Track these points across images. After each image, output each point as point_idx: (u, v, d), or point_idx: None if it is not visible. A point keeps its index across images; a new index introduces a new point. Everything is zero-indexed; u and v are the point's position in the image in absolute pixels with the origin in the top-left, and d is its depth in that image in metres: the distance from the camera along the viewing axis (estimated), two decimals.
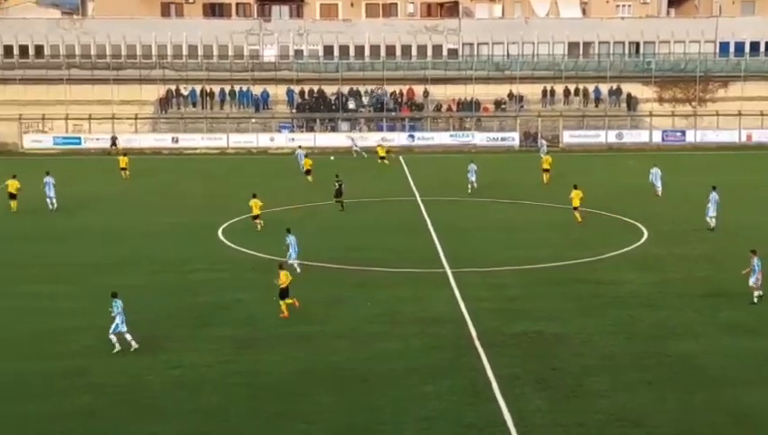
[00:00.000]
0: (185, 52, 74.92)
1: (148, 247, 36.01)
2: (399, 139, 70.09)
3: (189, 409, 20.13)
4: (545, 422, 19.43)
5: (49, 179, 44.33)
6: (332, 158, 60.98)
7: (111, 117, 69.75)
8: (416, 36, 76.07)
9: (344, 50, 75.87)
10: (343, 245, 36.14)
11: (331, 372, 22.38)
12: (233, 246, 36.23)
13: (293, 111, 72.59)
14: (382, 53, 75.65)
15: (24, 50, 74.97)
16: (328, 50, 76.03)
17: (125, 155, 56.27)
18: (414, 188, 50.16)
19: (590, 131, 71.51)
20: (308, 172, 52.25)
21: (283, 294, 26.82)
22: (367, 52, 75.96)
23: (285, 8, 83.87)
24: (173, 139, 68.91)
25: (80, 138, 68.35)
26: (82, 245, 36.67)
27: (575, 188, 40.47)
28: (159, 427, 19.22)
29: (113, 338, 23.64)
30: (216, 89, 72.10)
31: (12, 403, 20.32)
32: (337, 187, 43.69)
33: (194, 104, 71.96)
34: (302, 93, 72.76)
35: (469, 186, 48.32)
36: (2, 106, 69.37)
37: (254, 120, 71.62)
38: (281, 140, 69.08)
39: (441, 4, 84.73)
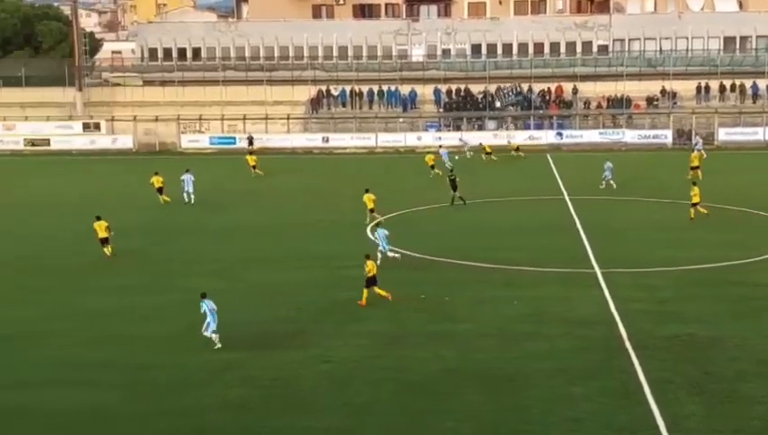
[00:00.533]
0: (335, 53, 76.37)
1: (299, 244, 36.88)
2: (547, 137, 69.29)
3: (338, 403, 20.52)
4: (700, 427, 18.89)
5: (187, 176, 46.34)
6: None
7: (265, 117, 71.71)
8: (564, 33, 75.05)
9: (492, 48, 75.62)
10: (489, 244, 36.04)
11: (478, 370, 22.37)
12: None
13: (440, 110, 72.83)
14: (530, 50, 75.00)
15: (182, 53, 78.14)
16: (475, 48, 75.97)
17: (251, 154, 57.73)
18: (562, 187, 49.51)
19: (746, 129, 68.73)
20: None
21: (369, 282, 27.71)
22: (515, 50, 75.46)
23: (434, 8, 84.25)
24: (323, 138, 70.28)
25: (234, 137, 70.56)
26: (235, 241, 37.82)
27: (694, 184, 40.06)
28: (310, 421, 19.64)
29: (214, 337, 24.04)
30: (365, 89, 73.10)
31: (171, 395, 21.15)
32: (451, 180, 44.18)
33: (343, 104, 73.20)
34: (449, 92, 72.91)
35: (603, 183, 47.65)
36: (162, 107, 72.39)
37: (401, 120, 72.23)
38: (428, 138, 69.46)
39: (591, 0, 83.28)
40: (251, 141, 68.04)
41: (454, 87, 73.09)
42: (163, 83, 76.19)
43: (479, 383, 21.54)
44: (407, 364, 22.86)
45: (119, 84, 79.12)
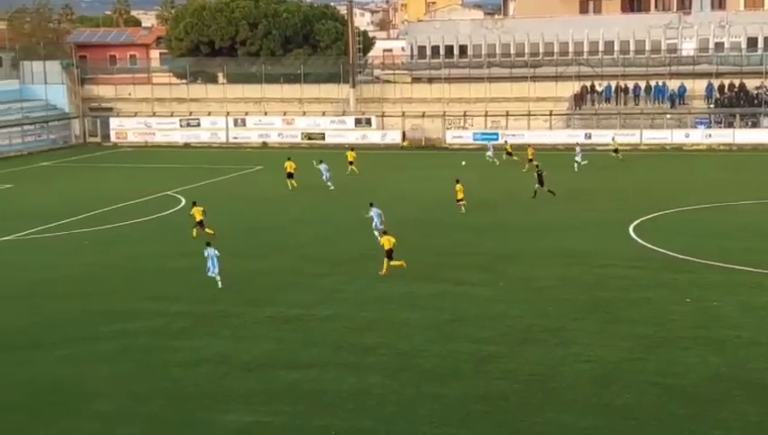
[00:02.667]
0: (601, 48, 75.17)
1: (561, 241, 36.91)
2: None
3: (598, 404, 20.46)
4: None
5: (322, 166, 49.90)
6: (464, 163, 57.19)
7: (527, 114, 71.88)
8: None
9: None
10: (754, 246, 34.55)
11: (751, 379, 21.54)
12: (644, 243, 36.00)
13: (711, 106, 69.82)
14: None
15: (449, 50, 79.81)
16: (751, 42, 72.12)
17: (352, 150, 58.35)
18: None
19: None
20: None
21: (389, 254, 31.50)
22: None
23: (707, 0, 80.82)
24: (586, 135, 69.36)
25: (497, 133, 71.24)
26: (500, 237, 38.38)
27: None
28: (569, 418, 19.75)
29: (217, 278, 30.13)
30: (631, 84, 71.41)
31: (434, 383, 21.90)
32: (537, 174, 45.20)
33: (607, 100, 71.88)
34: (721, 88, 69.70)
35: None
36: (429, 103, 74.41)
37: (668, 116, 69.94)
38: (696, 136, 66.80)
39: None
40: (404, 136, 71.27)
41: (727, 82, 69.78)
42: (430, 80, 78.15)
43: (751, 393, 20.74)
44: (671, 368, 22.42)
45: (389, 81, 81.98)
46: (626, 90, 71.46)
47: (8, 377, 22.82)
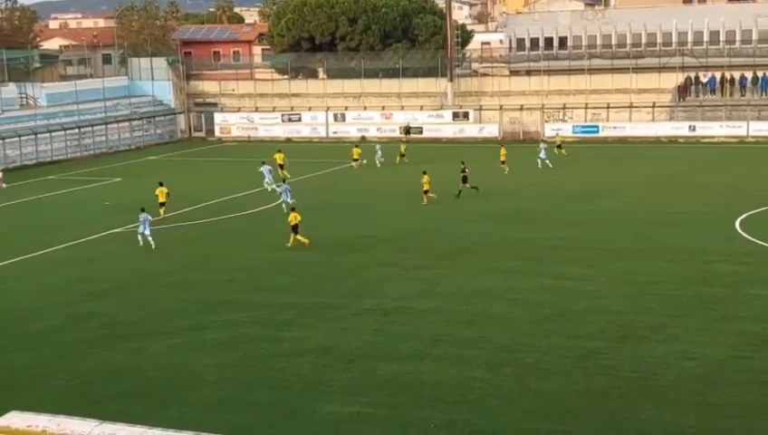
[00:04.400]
0: (705, 38, 73.49)
1: (665, 235, 36.35)
2: None
3: (703, 402, 20.13)
4: None
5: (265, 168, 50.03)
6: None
7: (629, 106, 70.74)
8: None
9: None
10: None
11: None
12: (751, 238, 35.20)
13: None
14: None
15: (548, 42, 79.21)
16: None
17: (406, 141, 58.64)
18: None
19: None
20: None
21: (294, 229, 35.29)
22: None
23: None
24: (690, 127, 67.96)
25: (597, 126, 70.38)
26: (600, 230, 38.06)
27: None
28: (673, 416, 19.48)
29: (139, 237, 35.02)
30: (737, 75, 69.57)
31: (535, 377, 21.91)
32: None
33: (713, 91, 70.20)
34: None
35: None
36: (527, 96, 73.92)
37: None
38: None
39: None
40: (408, 131, 71.65)
41: None
42: (529, 73, 77.63)
43: None
44: None
45: (487, 74, 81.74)
46: (732, 81, 69.65)
47: (125, 365, 23.73)
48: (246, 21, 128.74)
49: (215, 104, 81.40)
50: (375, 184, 51.68)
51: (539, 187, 49.08)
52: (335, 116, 76.84)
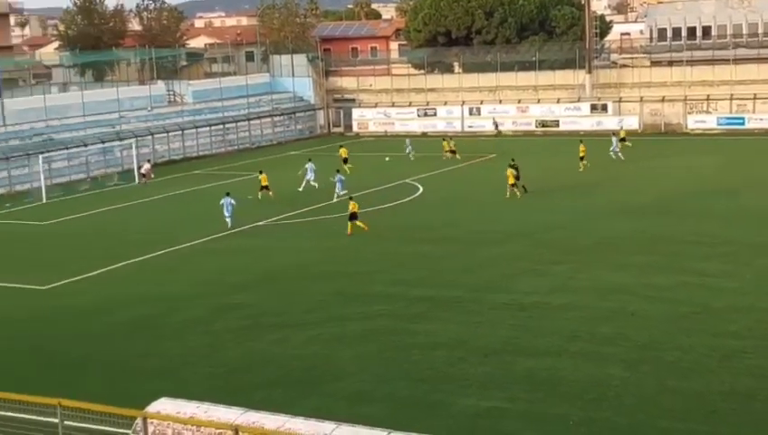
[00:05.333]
0: None
1: None
2: None
3: None
4: None
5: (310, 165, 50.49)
6: (387, 159, 58.62)
7: None
8: None
9: None
10: None
11: None
12: None
13: None
14: None
15: (691, 32, 76.98)
16: None
17: (449, 138, 58.01)
18: None
19: None
20: None
21: (352, 217, 37.89)
22: None
23: None
24: None
25: (743, 118, 67.96)
26: (742, 225, 36.88)
27: None
28: None
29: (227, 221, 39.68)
30: None
31: (675, 376, 21.49)
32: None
33: None
34: None
35: None
36: (669, 88, 71.97)
37: None
38: None
39: None
40: (496, 126, 72.82)
41: None
42: (671, 63, 75.62)
43: None
44: None
45: (626, 66, 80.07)
46: None
47: (268, 354, 24.55)
48: (383, 17, 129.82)
49: (353, 100, 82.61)
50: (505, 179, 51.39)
51: (678, 180, 47.90)
52: (470, 110, 76.79)
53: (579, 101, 73.78)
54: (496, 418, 19.80)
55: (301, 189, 49.55)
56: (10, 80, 77.23)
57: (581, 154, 53.21)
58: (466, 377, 22.08)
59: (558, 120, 73.50)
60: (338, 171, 48.53)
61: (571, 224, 39.05)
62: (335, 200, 44.89)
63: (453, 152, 59.55)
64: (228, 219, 40.73)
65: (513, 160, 47.63)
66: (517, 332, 25.32)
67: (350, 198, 39.68)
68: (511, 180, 45.17)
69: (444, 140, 61.78)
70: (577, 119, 72.62)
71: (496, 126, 74.79)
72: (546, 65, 76.93)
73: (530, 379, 21.76)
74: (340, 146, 59.61)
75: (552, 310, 27.06)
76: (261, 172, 49.08)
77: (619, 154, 55.61)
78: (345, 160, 56.43)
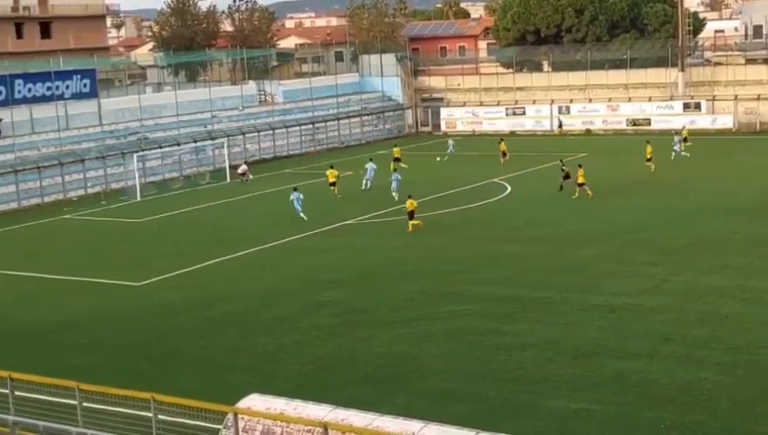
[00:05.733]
0: None
1: None
2: None
3: None
4: None
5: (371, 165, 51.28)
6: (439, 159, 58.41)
7: None
8: None
9: None
10: None
11: None
12: None
13: None
14: None
15: None
16: None
17: (502, 140, 57.48)
18: None
19: None
20: None
21: (411, 215, 38.85)
22: None
23: None
24: None
25: None
26: None
27: None
28: None
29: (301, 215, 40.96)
30: None
31: None
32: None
33: None
34: None
35: None
36: (765, 85, 69.80)
37: None
38: None
39: None
40: (560, 124, 71.86)
41: None
42: (766, 61, 73.51)
43: None
44: None
45: (720, 63, 78.14)
46: None
47: (356, 352, 24.74)
48: (472, 16, 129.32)
49: (441, 99, 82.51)
50: (601, 177, 50.71)
51: None
52: (560, 109, 75.97)
53: (671, 99, 72.30)
54: (585, 420, 19.57)
55: (363, 189, 49.91)
56: (106, 80, 79.31)
57: (648, 156, 52.03)
58: (555, 378, 21.89)
59: (650, 119, 72.18)
60: (395, 170, 48.90)
61: (664, 224, 38.35)
62: (395, 199, 45.32)
63: (504, 154, 58.75)
64: (301, 214, 41.72)
65: (561, 162, 47.63)
66: (607, 333, 24.98)
67: (410, 197, 40.13)
68: (580, 180, 44.53)
69: (501, 141, 60.41)
70: (669, 117, 71.17)
71: (560, 124, 73.99)
72: (638, 63, 75.59)
73: (620, 381, 21.45)
74: (395, 145, 59.93)
75: (644, 312, 26.61)
76: (331, 167, 49.97)
77: (683, 153, 54.81)
78: (397, 160, 56.37)
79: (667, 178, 49.36)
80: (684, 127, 63.38)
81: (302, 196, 42.76)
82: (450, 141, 65.11)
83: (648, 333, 24.64)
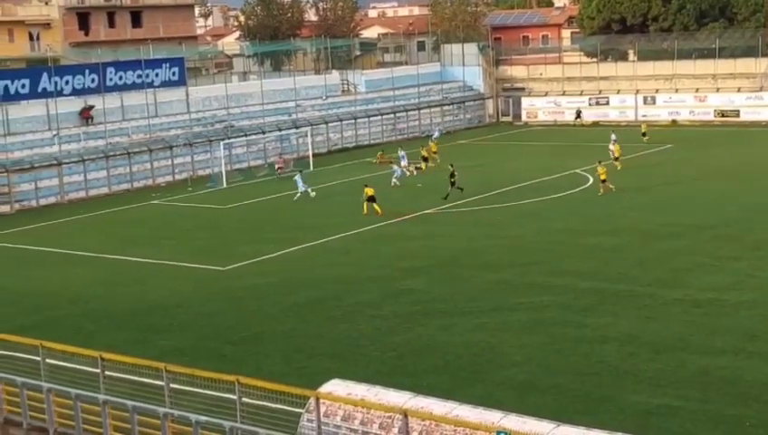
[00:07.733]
0: None
1: None
2: None
3: None
4: None
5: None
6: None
7: None
8: None
9: None
10: None
11: None
12: None
13: None
14: None
15: None
16: None
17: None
18: None
19: None
20: None
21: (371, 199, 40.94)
22: None
23: None
24: None
25: None
26: None
27: None
28: None
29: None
30: None
31: None
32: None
33: None
34: None
35: None
36: None
37: None
38: None
39: None
40: (578, 115, 71.91)
41: None
42: None
43: None
44: None
45: None
46: None
47: (435, 340, 24.86)
48: (556, 4, 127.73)
49: (522, 89, 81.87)
50: (688, 170, 49.90)
51: None
52: (644, 99, 74.72)
53: (761, 90, 70.52)
54: (668, 416, 19.36)
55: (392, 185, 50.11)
56: (194, 69, 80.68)
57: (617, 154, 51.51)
58: (637, 373, 21.68)
59: (738, 110, 70.53)
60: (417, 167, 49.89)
61: (753, 218, 37.58)
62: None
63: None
64: (304, 191, 46.47)
65: (452, 166, 46.15)
66: (691, 329, 24.64)
67: (366, 185, 42.42)
68: (603, 177, 44.01)
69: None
70: (759, 109, 69.48)
71: (578, 115, 72.63)
72: (726, 53, 73.83)
73: (704, 377, 21.16)
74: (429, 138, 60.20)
75: (730, 307, 26.17)
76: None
77: None
78: (425, 159, 55.65)
79: (758, 171, 48.26)
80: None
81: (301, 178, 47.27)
82: (401, 153, 56.03)
83: (733, 329, 24.24)
